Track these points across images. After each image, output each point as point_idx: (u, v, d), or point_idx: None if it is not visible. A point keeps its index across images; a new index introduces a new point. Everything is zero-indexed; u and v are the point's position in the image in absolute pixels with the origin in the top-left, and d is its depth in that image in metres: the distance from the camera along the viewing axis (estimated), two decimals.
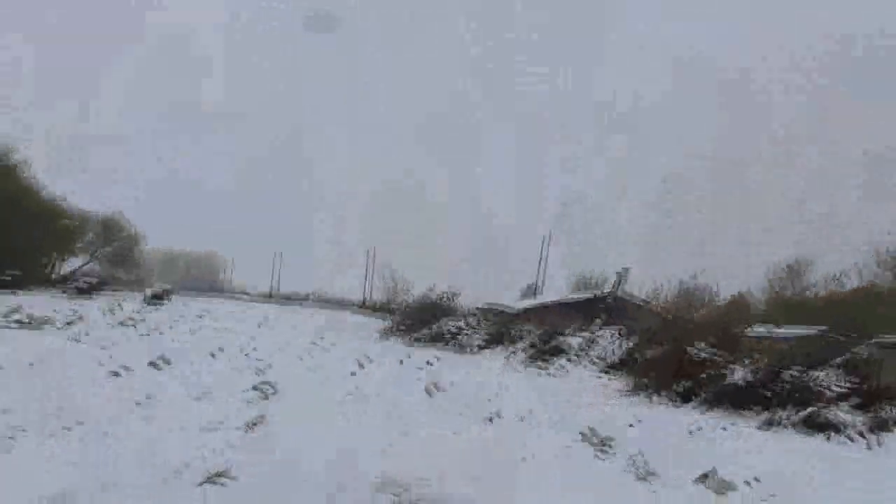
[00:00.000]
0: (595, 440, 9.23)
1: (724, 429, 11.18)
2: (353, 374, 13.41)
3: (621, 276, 28.38)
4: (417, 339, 21.01)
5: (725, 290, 30.59)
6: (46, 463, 5.57)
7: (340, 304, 39.67)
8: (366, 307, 34.81)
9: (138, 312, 23.07)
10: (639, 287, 28.44)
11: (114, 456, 5.99)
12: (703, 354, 14.69)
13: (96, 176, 60.33)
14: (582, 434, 9.53)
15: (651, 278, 28.67)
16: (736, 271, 37.33)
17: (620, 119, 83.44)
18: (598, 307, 26.06)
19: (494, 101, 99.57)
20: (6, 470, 5.13)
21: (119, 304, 24.82)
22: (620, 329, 20.45)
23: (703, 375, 13.99)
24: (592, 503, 6.30)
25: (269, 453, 6.80)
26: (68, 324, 16.54)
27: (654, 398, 13.80)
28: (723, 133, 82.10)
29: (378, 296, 39.27)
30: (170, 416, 7.80)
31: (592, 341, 19.79)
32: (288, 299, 38.61)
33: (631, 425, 10.74)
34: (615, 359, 18.07)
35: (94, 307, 23.63)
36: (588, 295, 28.78)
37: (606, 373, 16.94)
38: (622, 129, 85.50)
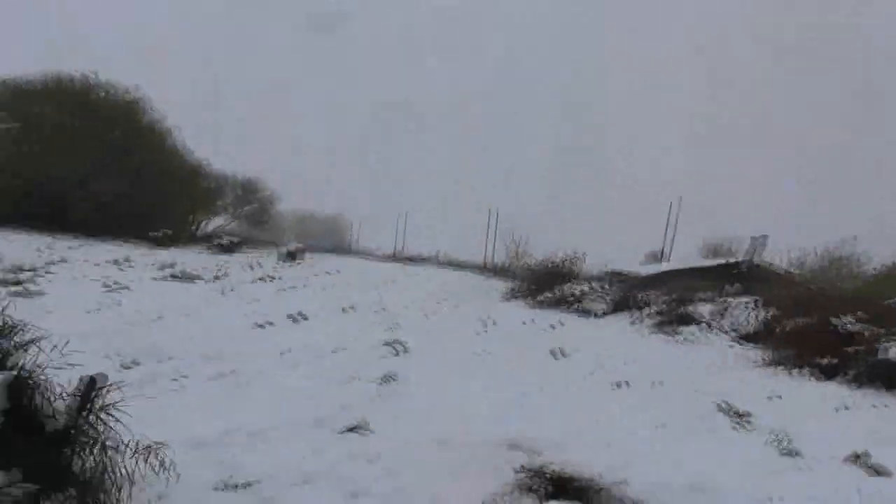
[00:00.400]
0: (731, 412, 8.86)
1: (875, 406, 10.34)
2: (478, 333, 13.55)
3: (757, 242, 26.72)
4: (541, 302, 20.77)
5: (880, 259, 28.11)
6: (209, 405, 6.07)
7: (463, 265, 40.00)
8: (487, 269, 34.85)
9: (275, 269, 24.46)
10: (777, 256, 26.79)
11: (264, 402, 6.42)
12: (851, 328, 13.63)
13: (233, 138, 64.16)
14: (717, 405, 9.18)
15: (793, 246, 26.87)
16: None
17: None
18: (731, 274, 24.75)
19: None
20: (179, 408, 5.61)
21: (258, 262, 26.36)
22: (756, 299, 19.32)
23: (851, 350, 12.99)
24: (737, 476, 6.03)
25: (402, 407, 7.06)
26: (215, 278, 17.77)
27: (794, 372, 12.98)
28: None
29: (499, 257, 39.26)
30: (310, 367, 8.23)
31: (725, 310, 18.83)
32: (412, 260, 39.32)
33: (770, 398, 10.20)
34: (750, 329, 17.12)
35: (235, 263, 25.27)
36: (720, 261, 27.34)
37: (740, 343, 16.11)
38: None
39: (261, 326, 10.67)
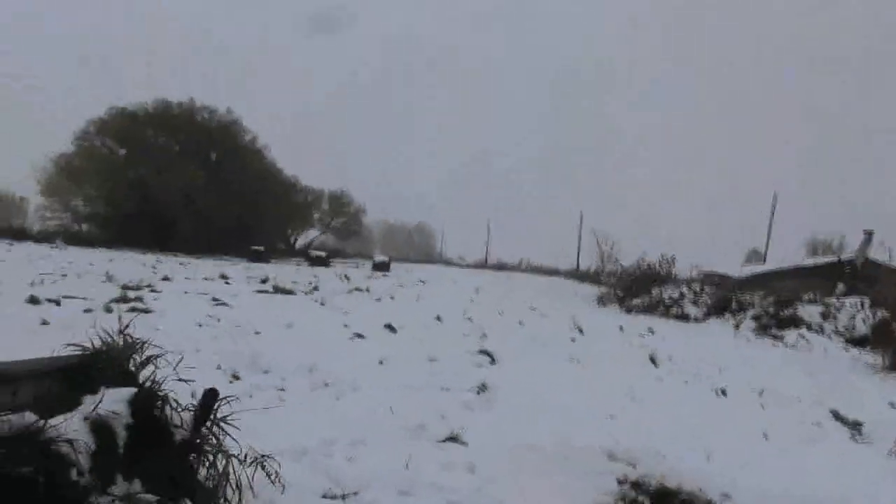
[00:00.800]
0: (847, 421, 8.35)
1: None
2: (572, 340, 13.39)
3: (868, 239, 25.09)
4: (633, 308, 20.36)
5: None
6: (310, 415, 6.27)
7: (551, 271, 39.69)
8: (577, 274, 34.39)
9: (366, 280, 25.06)
10: (883, 254, 25.09)
11: (362, 412, 6.57)
12: None
13: (316, 153, 66.37)
14: (831, 412, 8.67)
15: None
16: None
17: None
18: (839, 273, 23.35)
19: None
20: (281, 420, 5.82)
21: (347, 275, 27.11)
22: (864, 299, 18.16)
23: None
24: (855, 492, 5.65)
25: (497, 416, 7.05)
26: (310, 291, 18.38)
27: None
28: None
29: (588, 261, 38.58)
30: (405, 377, 8.36)
31: (833, 311, 17.78)
32: (499, 268, 39.40)
33: (892, 405, 9.53)
34: (864, 331, 16.09)
35: (327, 276, 26.06)
36: (828, 259, 25.86)
37: (851, 347, 15.17)
38: None
39: (358, 337, 10.94)
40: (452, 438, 6.04)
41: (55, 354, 2.99)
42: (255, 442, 3.64)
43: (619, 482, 5.51)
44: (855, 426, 8.18)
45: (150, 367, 3.17)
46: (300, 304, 15.39)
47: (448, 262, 50.07)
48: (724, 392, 9.38)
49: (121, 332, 3.17)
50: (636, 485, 5.51)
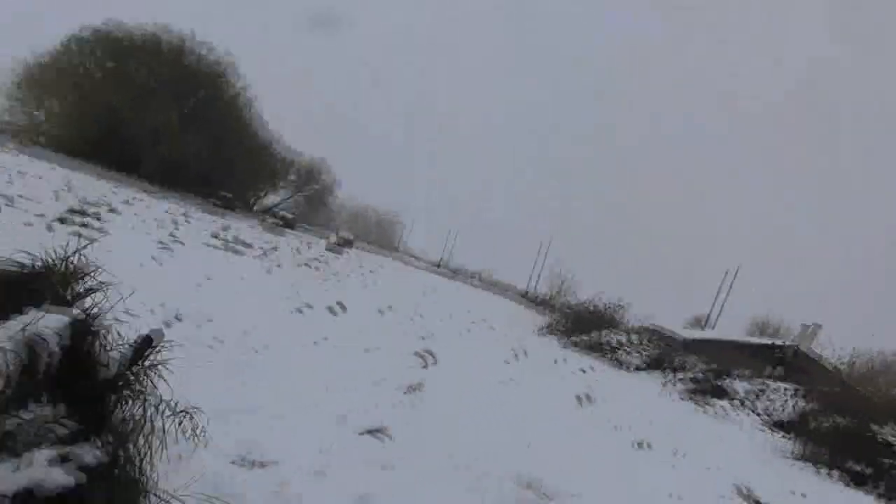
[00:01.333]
0: (752, 500, 8.60)
1: None
2: (507, 362, 13.50)
3: (808, 330, 25.94)
4: (575, 344, 20.64)
5: None
6: (239, 377, 6.18)
7: (504, 288, 39.99)
8: (528, 298, 34.72)
9: (322, 256, 24.82)
10: (826, 349, 25.93)
11: (290, 386, 6.51)
12: (892, 439, 13.12)
13: (304, 120, 65.62)
14: (738, 488, 8.92)
15: (845, 342, 26.01)
16: None
17: None
18: (775, 357, 24.08)
19: None
20: (211, 374, 5.73)
21: (307, 244, 26.84)
22: (797, 388, 18.75)
23: (889, 462, 12.50)
24: None
25: (423, 419, 7.06)
26: (264, 253, 18.12)
27: (823, 471, 12.54)
28: None
29: (542, 288, 38.97)
30: (341, 362, 8.32)
31: (762, 391, 18.32)
32: (455, 272, 39.50)
33: (793, 493, 9.85)
34: (784, 417, 16.60)
35: (285, 243, 25.75)
36: (766, 341, 26.59)
37: (771, 429, 15.64)
38: None
39: (299, 312, 10.83)
40: (376, 432, 6.03)
41: None
42: (181, 390, 3.58)
43: None
44: None
45: (89, 300, 3.08)
46: (251, 265, 15.16)
47: (408, 255, 50.02)
48: (645, 445, 9.55)
49: (64, 258, 3.07)
50: None
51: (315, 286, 14.91)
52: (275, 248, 20.07)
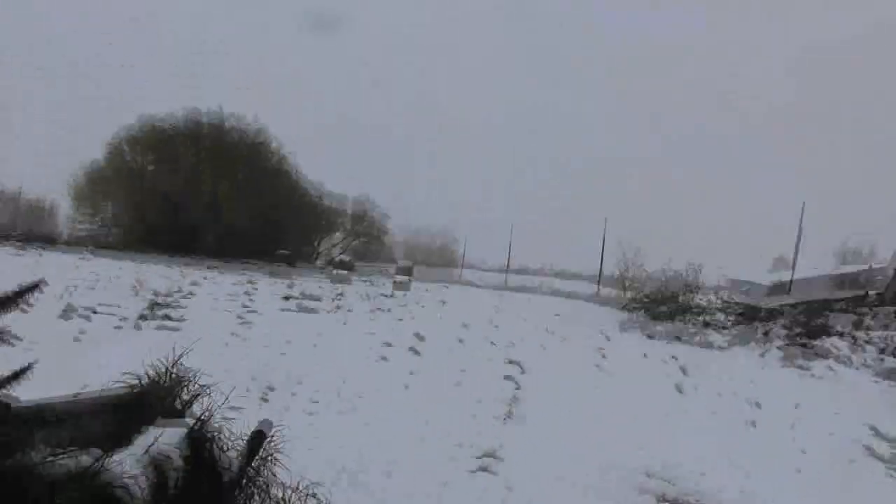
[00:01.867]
0: (884, 457, 8.19)
1: None
2: (597, 365, 13.23)
3: None
4: (657, 334, 20.06)
5: None
6: (341, 436, 6.30)
7: (573, 290, 39.53)
8: (598, 294, 34.11)
9: (390, 295, 25.08)
10: None
11: (392, 434, 6.59)
12: None
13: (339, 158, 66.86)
14: (866, 447, 8.51)
15: None
16: None
17: None
18: (871, 288, 22.73)
19: None
20: (315, 436, 5.86)
21: (369, 292, 27.17)
22: None
23: None
24: None
25: (530, 439, 7.04)
26: (336, 306, 18.41)
27: None
28: None
29: (611, 268, 38.07)
30: (433, 400, 8.36)
31: (864, 338, 17.47)
32: (520, 289, 39.07)
33: None
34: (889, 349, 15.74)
35: (351, 290, 26.13)
36: (861, 267, 25.32)
37: (884, 379, 14.76)
38: None
39: (383, 359, 10.95)
40: (487, 464, 6.08)
41: (107, 388, 3.04)
42: (295, 464, 3.65)
43: (662, 500, 5.76)
44: (892, 462, 8.02)
45: (197, 406, 3.20)
46: (326, 321, 15.42)
47: (471, 268, 49.99)
48: (753, 423, 9.23)
49: (167, 369, 3.20)
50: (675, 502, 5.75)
51: (390, 328, 15.03)
52: (341, 295, 20.35)
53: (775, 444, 8.35)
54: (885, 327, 18.04)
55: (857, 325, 18.42)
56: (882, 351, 15.85)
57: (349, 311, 17.09)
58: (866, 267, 25.53)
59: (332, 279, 32.09)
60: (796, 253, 33.00)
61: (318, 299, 18.98)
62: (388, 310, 19.34)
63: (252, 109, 42.55)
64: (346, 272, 35.89)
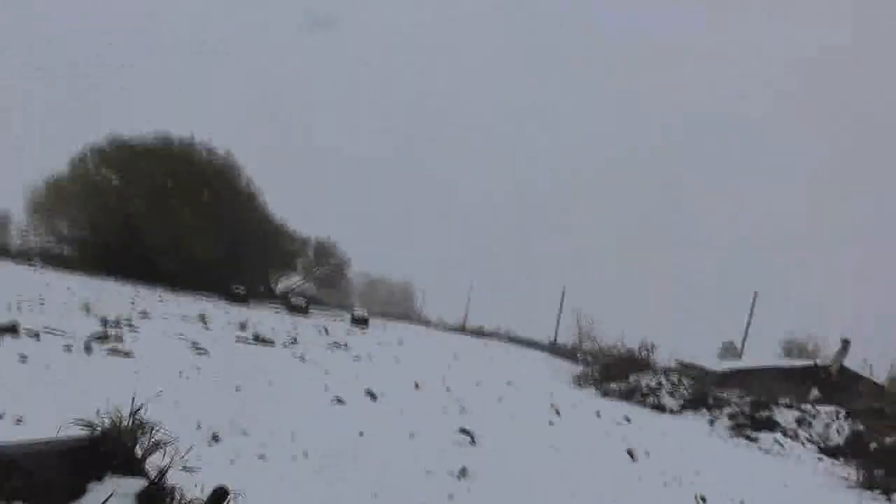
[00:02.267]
0: None
1: None
2: (550, 423, 13.25)
3: (844, 348, 25.25)
4: (612, 391, 20.25)
5: None
6: (296, 487, 6.10)
7: (528, 343, 39.64)
8: (555, 350, 34.33)
9: (345, 335, 24.78)
10: (865, 368, 25.33)
11: (347, 490, 6.41)
12: None
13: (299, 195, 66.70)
14: None
15: (880, 353, 25.45)
16: None
17: None
18: (815, 378, 23.39)
19: None
20: (260, 491, 5.65)
21: (328, 327, 26.83)
22: (839, 410, 18.24)
23: None
24: None
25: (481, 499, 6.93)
26: (293, 342, 18.08)
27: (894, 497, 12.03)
28: None
29: (565, 337, 38.50)
30: (388, 453, 8.19)
31: (811, 417, 17.81)
32: (478, 334, 39.16)
33: None
34: (838, 441, 16.07)
35: (307, 326, 25.76)
36: (805, 363, 25.96)
37: (827, 457, 15.02)
38: None
39: (339, 401, 10.76)
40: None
41: (63, 433, 2.90)
42: None
43: None
44: None
45: (158, 456, 3.07)
46: (281, 357, 15.14)
47: (427, 323, 49.78)
48: (704, 501, 9.25)
49: (131, 414, 3.08)
50: None
51: (346, 369, 14.83)
52: (295, 340, 19.91)
53: None
54: (826, 426, 18.35)
55: (801, 422, 18.71)
56: (821, 450, 16.08)
57: (303, 355, 16.75)
58: (811, 363, 26.16)
59: (288, 313, 31.61)
60: (745, 339, 33.96)
61: (270, 342, 18.50)
62: (345, 345, 19.05)
63: (221, 137, 42.50)
64: (300, 313, 35.45)
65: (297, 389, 11.32)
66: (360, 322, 35.33)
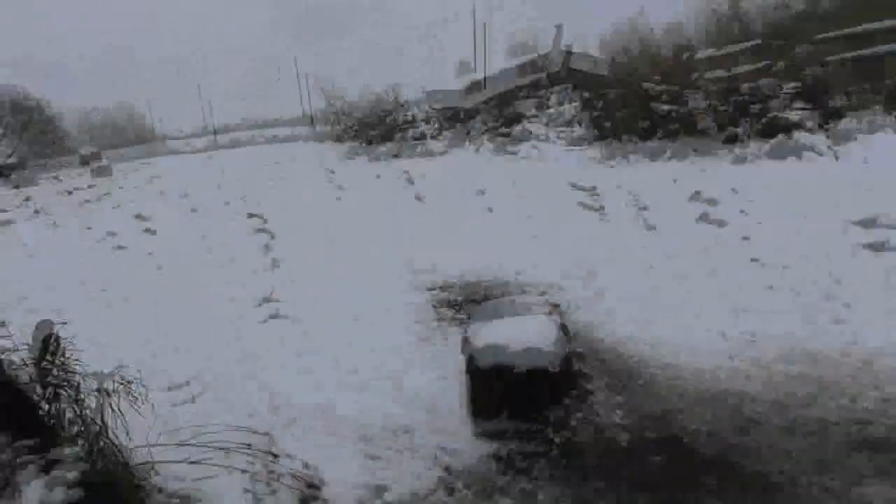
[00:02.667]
0: (595, 206, 10.05)
1: (704, 170, 11.85)
2: (338, 199, 13.52)
3: (559, 31, 27.65)
4: (382, 155, 20.54)
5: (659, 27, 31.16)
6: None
7: (283, 129, 38.68)
8: (315, 130, 33.46)
9: (93, 185, 21.84)
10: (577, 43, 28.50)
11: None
12: (659, 88, 15.11)
13: None
14: (579, 203, 10.29)
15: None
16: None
17: None
18: (549, 77, 25.78)
19: None
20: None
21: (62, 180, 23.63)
22: (569, 86, 21.69)
23: (664, 109, 14.69)
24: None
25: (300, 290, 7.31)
26: (35, 212, 15.77)
27: (628, 148, 14.68)
28: None
29: (313, 105, 37.39)
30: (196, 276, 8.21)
31: (546, 99, 21.23)
32: (233, 145, 36.26)
33: (618, 187, 11.23)
34: (572, 115, 18.82)
35: (41, 190, 22.35)
36: (531, 56, 28.75)
37: (575, 147, 16.91)
38: None
39: (120, 248, 10.29)
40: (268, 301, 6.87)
41: None
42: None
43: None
44: (600, 209, 9.88)
45: None
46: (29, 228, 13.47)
47: (170, 143, 45.36)
48: (492, 210, 10.61)
49: None
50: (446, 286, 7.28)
51: (110, 217, 13.66)
52: (36, 206, 17.22)
53: (512, 221, 9.75)
54: (560, 104, 20.97)
55: (540, 107, 21.08)
56: (568, 123, 18.43)
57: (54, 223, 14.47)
58: (535, 55, 28.59)
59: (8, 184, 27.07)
60: (485, 52, 35.43)
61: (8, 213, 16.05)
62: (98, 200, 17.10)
63: None
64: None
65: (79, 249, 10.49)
66: (94, 159, 31.07)
